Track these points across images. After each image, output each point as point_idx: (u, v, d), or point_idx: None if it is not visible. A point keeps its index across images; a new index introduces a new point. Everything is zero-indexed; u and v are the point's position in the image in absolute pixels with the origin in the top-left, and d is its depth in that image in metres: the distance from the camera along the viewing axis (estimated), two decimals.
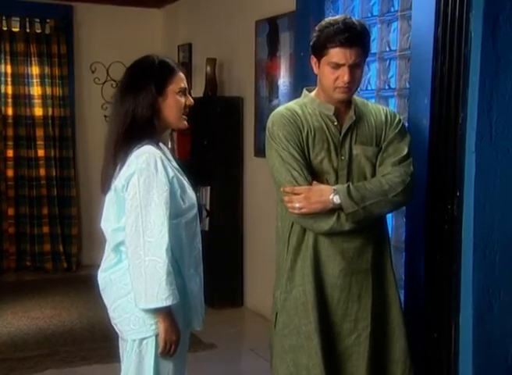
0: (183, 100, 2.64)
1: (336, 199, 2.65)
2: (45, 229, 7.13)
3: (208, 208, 5.96)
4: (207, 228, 5.94)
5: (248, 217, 5.95)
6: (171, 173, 2.55)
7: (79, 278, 6.69)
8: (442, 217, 3.03)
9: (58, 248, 7.17)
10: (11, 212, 7.08)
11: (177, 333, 2.54)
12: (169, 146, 6.47)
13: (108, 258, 2.69)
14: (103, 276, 2.69)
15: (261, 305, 5.54)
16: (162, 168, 2.49)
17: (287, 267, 2.82)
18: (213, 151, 5.91)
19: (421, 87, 3.13)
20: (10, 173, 7.05)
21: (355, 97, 2.85)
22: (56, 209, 7.15)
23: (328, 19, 2.76)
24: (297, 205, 2.67)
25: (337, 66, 2.66)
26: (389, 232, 3.68)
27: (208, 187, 5.96)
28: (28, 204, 7.12)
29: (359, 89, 3.99)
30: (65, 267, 7.15)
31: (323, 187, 2.69)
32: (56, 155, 7.14)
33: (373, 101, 3.84)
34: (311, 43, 2.76)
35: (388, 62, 3.83)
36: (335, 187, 2.69)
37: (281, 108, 2.84)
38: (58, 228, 7.18)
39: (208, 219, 5.97)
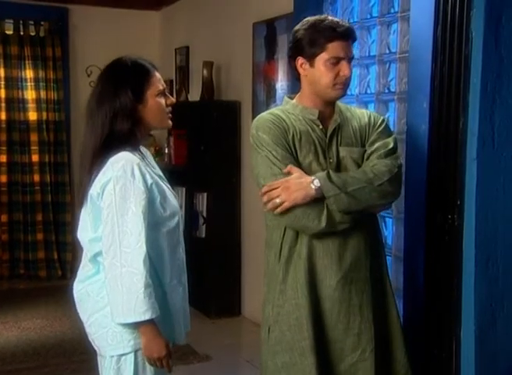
0: (163, 101, 2.55)
1: (317, 182, 2.50)
2: (39, 236, 7.03)
3: (204, 214, 5.85)
4: (203, 235, 5.88)
5: (246, 224, 5.84)
6: (149, 180, 2.45)
7: (72, 284, 6.54)
8: (442, 227, 2.93)
9: (52, 256, 7.07)
10: (4, 218, 6.97)
11: (160, 349, 2.44)
12: (166, 151, 6.39)
13: (84, 269, 2.61)
14: (79, 288, 2.61)
15: (259, 315, 5.37)
16: (140, 175, 2.40)
17: (279, 280, 2.70)
18: (210, 157, 5.80)
19: (419, 90, 3.03)
20: (3, 178, 6.94)
21: (338, 102, 2.76)
22: (50, 216, 7.05)
23: (308, 18, 2.67)
24: (278, 200, 2.52)
25: (337, 60, 2.57)
26: (390, 240, 3.64)
27: (205, 193, 5.86)
28: (22, 210, 7.01)
29: (358, 92, 3.93)
30: (59, 275, 7.06)
31: (302, 177, 2.53)
32: (51, 160, 7.04)
33: (372, 105, 3.83)
34: (297, 43, 2.64)
35: (388, 64, 3.77)
36: (315, 174, 2.55)
37: (263, 114, 2.73)
38: (52, 235, 7.08)
39: (204, 226, 5.87)
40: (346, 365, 2.68)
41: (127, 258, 2.34)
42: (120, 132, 2.44)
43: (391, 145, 2.68)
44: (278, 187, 2.53)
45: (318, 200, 2.52)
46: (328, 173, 2.54)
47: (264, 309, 2.80)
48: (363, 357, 2.67)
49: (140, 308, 2.33)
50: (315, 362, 2.60)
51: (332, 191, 2.50)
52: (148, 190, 2.42)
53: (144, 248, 2.35)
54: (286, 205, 2.52)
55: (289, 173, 2.55)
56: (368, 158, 2.68)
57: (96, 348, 2.59)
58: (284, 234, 2.68)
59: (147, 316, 2.35)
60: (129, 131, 2.46)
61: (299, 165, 2.61)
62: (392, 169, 2.61)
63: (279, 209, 2.53)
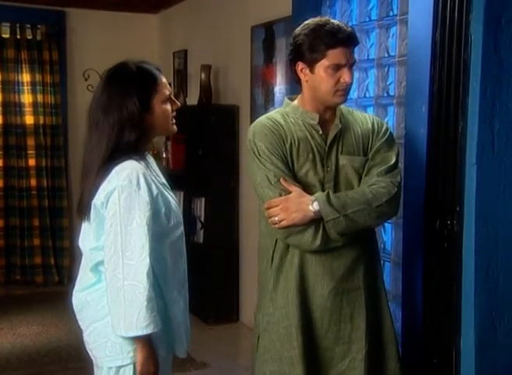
0: (169, 107, 2.49)
1: (316, 205, 2.47)
2: (36, 241, 6.97)
3: (202, 219, 5.81)
4: (201, 240, 5.84)
5: (244, 229, 5.80)
6: (155, 191, 2.38)
7: (70, 292, 6.45)
8: (441, 233, 2.88)
9: (49, 261, 7.01)
10: (0, 223, 6.92)
11: (155, 365, 2.38)
12: (163, 156, 6.34)
13: (84, 278, 2.54)
14: (79, 297, 2.54)
15: None
16: (145, 185, 2.33)
17: (270, 288, 2.68)
18: (208, 161, 5.76)
19: (418, 94, 2.98)
20: (0, 183, 6.89)
21: (340, 105, 2.71)
22: (47, 221, 6.99)
23: (308, 22, 2.60)
24: (276, 218, 2.50)
25: (338, 67, 2.52)
26: (389, 246, 3.59)
27: (203, 198, 5.82)
28: (18, 215, 6.96)
29: (357, 96, 3.88)
30: (56, 281, 7.00)
31: (302, 197, 2.51)
32: (48, 164, 6.98)
33: (371, 109, 3.77)
34: (297, 48, 2.58)
35: (387, 68, 3.72)
36: (314, 195, 2.51)
37: (261, 118, 2.68)
38: (49, 240, 7.02)
39: (202, 230, 5.83)
40: (335, 373, 2.65)
41: (130, 271, 2.27)
42: (127, 144, 2.38)
43: (392, 161, 2.63)
44: (277, 205, 2.50)
45: (315, 219, 2.50)
46: (328, 194, 2.50)
47: (256, 317, 2.79)
48: (352, 365, 2.65)
49: (143, 323, 2.27)
50: (304, 371, 2.58)
51: (331, 214, 2.48)
52: (153, 200, 2.35)
53: (147, 261, 2.28)
54: (284, 223, 2.50)
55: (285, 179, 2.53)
56: (368, 171, 2.64)
57: (93, 359, 2.53)
58: (276, 241, 2.65)
59: (148, 330, 2.29)
60: (135, 142, 2.39)
61: (295, 174, 2.58)
62: (391, 189, 2.58)
63: (276, 226, 2.52)
